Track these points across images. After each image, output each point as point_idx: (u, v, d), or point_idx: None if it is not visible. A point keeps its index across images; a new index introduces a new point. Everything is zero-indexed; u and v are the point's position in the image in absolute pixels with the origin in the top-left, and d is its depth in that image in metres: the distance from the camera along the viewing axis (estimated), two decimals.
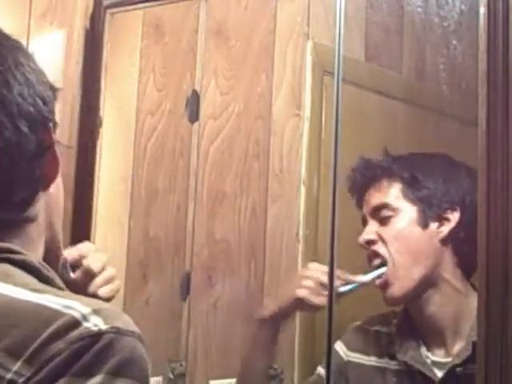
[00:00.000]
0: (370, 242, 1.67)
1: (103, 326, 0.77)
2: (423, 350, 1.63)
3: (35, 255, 0.91)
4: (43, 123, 0.92)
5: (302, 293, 1.65)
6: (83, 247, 1.37)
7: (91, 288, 1.32)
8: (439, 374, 1.60)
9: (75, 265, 1.33)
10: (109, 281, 1.34)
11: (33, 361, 0.75)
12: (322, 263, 1.66)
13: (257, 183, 2.01)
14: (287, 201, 1.99)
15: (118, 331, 0.78)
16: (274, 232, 2.00)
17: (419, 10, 1.91)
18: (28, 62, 0.93)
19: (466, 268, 1.63)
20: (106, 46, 1.89)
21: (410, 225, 1.65)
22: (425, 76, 2.12)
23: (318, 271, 1.65)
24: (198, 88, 2.05)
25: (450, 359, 1.60)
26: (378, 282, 1.65)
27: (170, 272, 2.03)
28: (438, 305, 1.62)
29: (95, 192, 1.85)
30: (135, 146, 2.07)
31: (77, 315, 0.78)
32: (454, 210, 1.62)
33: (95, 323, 0.77)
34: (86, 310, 0.78)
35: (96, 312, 0.79)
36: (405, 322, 1.67)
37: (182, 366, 1.98)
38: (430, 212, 1.64)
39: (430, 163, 1.69)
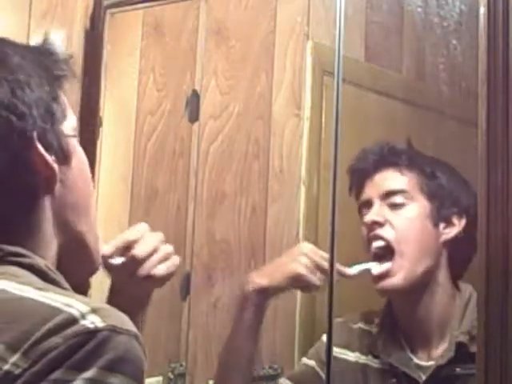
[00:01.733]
0: (376, 224, 1.64)
1: (100, 324, 0.79)
2: (407, 351, 1.62)
3: (43, 259, 0.92)
4: (20, 138, 0.89)
5: (301, 269, 1.60)
6: (131, 234, 1.31)
7: (142, 272, 1.26)
8: (423, 376, 1.59)
9: (122, 254, 1.27)
10: (163, 259, 1.29)
11: (30, 354, 0.77)
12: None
13: (257, 183, 2.01)
14: (287, 201, 1.99)
15: (113, 329, 0.79)
16: (274, 232, 2.00)
17: (419, 9, 1.91)
18: (21, 67, 0.92)
19: (455, 271, 1.63)
20: (106, 46, 1.89)
21: (422, 218, 1.63)
22: (425, 76, 2.12)
23: (314, 252, 1.62)
24: (198, 88, 2.05)
25: (432, 362, 1.59)
26: (376, 271, 1.62)
27: None
28: (427, 307, 1.61)
29: (95, 192, 1.85)
30: (135, 145, 2.07)
31: (75, 313, 0.79)
32: (461, 216, 1.62)
33: (92, 321, 0.79)
34: (85, 309, 0.80)
35: (94, 311, 0.80)
36: (388, 322, 1.66)
37: (182, 366, 1.98)
38: (440, 211, 1.63)
39: (445, 166, 1.68)
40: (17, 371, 0.76)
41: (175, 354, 1.99)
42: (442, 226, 1.63)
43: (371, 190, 1.68)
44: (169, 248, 1.31)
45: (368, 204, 1.67)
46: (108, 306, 0.83)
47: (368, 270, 1.63)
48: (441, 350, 1.59)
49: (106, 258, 1.25)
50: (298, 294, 1.92)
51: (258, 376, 1.90)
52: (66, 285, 0.91)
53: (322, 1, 2.02)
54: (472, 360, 1.42)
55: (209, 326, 2.00)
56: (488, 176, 1.33)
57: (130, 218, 2.05)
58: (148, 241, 1.30)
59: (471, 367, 1.45)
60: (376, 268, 1.63)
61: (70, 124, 0.97)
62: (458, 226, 1.63)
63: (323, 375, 1.63)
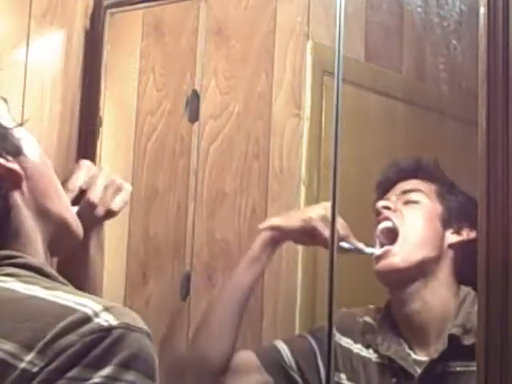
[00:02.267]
0: (387, 208, 1.68)
1: (114, 322, 0.80)
2: (405, 346, 1.64)
3: (34, 256, 0.93)
4: None
5: (316, 218, 1.64)
6: (79, 179, 1.33)
7: (99, 212, 1.31)
8: (419, 370, 1.60)
9: (77, 201, 1.30)
10: (116, 192, 1.34)
11: (46, 352, 0.78)
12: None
13: (257, 183, 2.01)
14: (287, 201, 1.99)
15: (127, 327, 0.81)
16: None
17: (419, 9, 1.91)
18: None
19: (459, 275, 1.65)
20: (106, 46, 1.90)
21: (432, 216, 1.67)
22: (425, 76, 2.12)
23: (327, 217, 1.63)
24: (198, 88, 2.05)
25: (428, 358, 1.61)
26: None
27: (169, 272, 2.03)
28: (423, 301, 1.63)
29: None
30: (135, 145, 2.07)
31: (89, 312, 0.81)
32: (471, 230, 1.64)
33: (106, 319, 0.81)
34: (98, 308, 0.82)
35: (107, 309, 0.82)
36: (388, 319, 1.68)
37: None
38: (452, 220, 1.67)
39: (469, 196, 1.69)
40: (34, 369, 0.77)
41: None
42: (450, 231, 1.67)
43: (390, 194, 1.73)
44: (117, 179, 1.35)
45: (384, 201, 1.72)
46: (119, 305, 0.85)
47: (360, 250, 1.65)
48: (437, 346, 1.60)
49: None
50: (298, 296, 1.92)
51: None
52: (63, 279, 0.92)
53: (322, 1, 2.02)
54: (464, 352, 1.49)
55: None
56: (488, 175, 1.33)
57: (130, 217, 2.05)
58: (98, 181, 1.32)
59: (466, 363, 1.50)
60: (376, 250, 1.67)
61: (4, 117, 0.97)
62: (465, 236, 1.66)
63: (316, 347, 1.68)
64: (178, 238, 2.03)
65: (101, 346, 0.78)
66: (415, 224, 1.67)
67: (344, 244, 1.65)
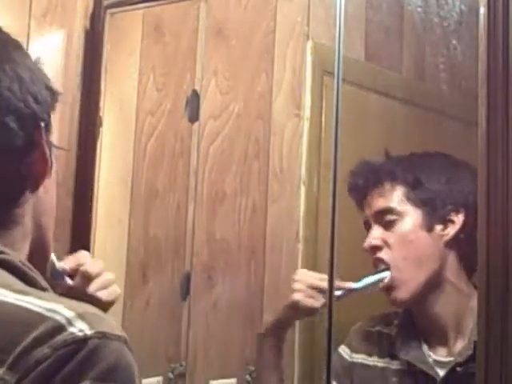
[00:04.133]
0: (375, 248, 1.66)
1: (88, 332, 0.76)
2: (425, 349, 1.64)
3: (18, 255, 0.90)
4: (33, 121, 0.90)
5: (296, 296, 1.65)
6: (80, 256, 1.39)
7: (90, 289, 1.33)
8: (441, 372, 1.60)
9: (73, 273, 1.34)
10: (107, 284, 1.36)
11: (17, 366, 0.74)
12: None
13: (257, 183, 2.01)
14: (287, 201, 1.99)
15: (103, 336, 0.76)
16: (274, 232, 2.00)
17: (419, 9, 1.91)
18: (23, 60, 0.92)
19: (469, 267, 1.63)
20: (106, 46, 1.89)
21: (415, 229, 1.64)
22: (425, 76, 2.12)
23: (307, 275, 1.66)
24: (198, 88, 2.05)
25: (452, 358, 1.60)
26: (381, 285, 1.65)
27: (170, 272, 2.03)
28: (441, 305, 1.62)
29: (95, 192, 1.85)
30: (135, 145, 2.07)
31: (61, 319, 0.76)
32: (458, 211, 1.61)
33: (80, 328, 0.76)
34: (70, 314, 0.77)
35: (80, 316, 0.77)
36: (406, 322, 1.68)
37: (181, 366, 1.98)
38: (434, 215, 1.63)
39: (431, 163, 1.68)
40: None
41: (175, 354, 1.99)
42: (438, 228, 1.63)
43: (367, 211, 1.70)
44: (111, 275, 1.38)
45: (367, 225, 1.69)
46: (92, 309, 0.81)
47: (374, 284, 1.65)
48: (459, 347, 1.60)
49: (62, 275, 1.33)
50: None
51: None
52: (43, 282, 0.89)
53: (322, 1, 2.02)
54: None
55: (209, 326, 2.00)
56: (488, 175, 1.33)
57: (130, 217, 2.05)
58: (94, 264, 1.37)
59: None
60: (381, 283, 1.65)
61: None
62: (457, 222, 1.62)
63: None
64: (178, 238, 2.03)
65: (75, 359, 0.74)
66: (406, 251, 1.64)
67: (337, 292, 1.64)
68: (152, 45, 2.08)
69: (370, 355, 1.69)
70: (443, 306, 1.62)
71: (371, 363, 1.69)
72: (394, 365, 1.66)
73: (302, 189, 1.97)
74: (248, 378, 1.93)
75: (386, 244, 1.65)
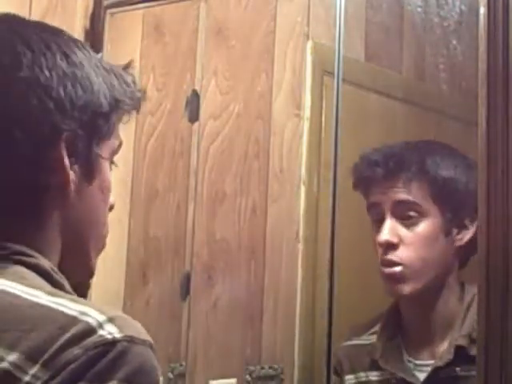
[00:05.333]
0: (390, 246, 1.59)
1: (117, 335, 0.80)
2: (404, 354, 1.62)
3: (47, 261, 0.92)
4: (48, 130, 0.89)
5: None
6: None
7: None
8: (421, 376, 1.58)
9: None
10: None
11: (49, 365, 0.78)
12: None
13: (257, 183, 2.01)
14: (287, 201, 1.99)
15: (131, 340, 0.80)
16: (274, 232, 2.00)
17: (419, 9, 1.91)
18: (66, 67, 0.92)
19: (462, 267, 1.63)
20: (106, 46, 1.90)
21: (435, 231, 1.60)
22: (425, 76, 2.12)
23: None
24: (198, 88, 2.05)
25: (432, 361, 1.58)
26: (387, 270, 1.60)
27: (170, 272, 2.03)
28: (436, 308, 1.61)
29: None
30: (135, 146, 2.07)
31: (92, 322, 0.80)
32: (473, 218, 1.54)
33: (110, 331, 0.80)
34: (102, 318, 0.81)
35: (111, 320, 0.81)
36: (390, 323, 1.65)
37: (181, 366, 1.98)
38: (453, 219, 1.60)
39: (457, 164, 1.61)
40: (38, 383, 0.77)
41: (175, 353, 1.99)
42: (454, 231, 1.60)
43: (380, 197, 1.63)
44: None
45: (376, 206, 1.63)
46: (122, 314, 0.84)
47: None
48: (441, 351, 1.59)
49: None
50: (298, 296, 1.92)
51: (257, 376, 1.90)
52: (68, 286, 0.91)
53: (322, 1, 2.02)
54: (471, 363, 1.41)
55: (209, 326, 2.00)
56: (488, 175, 1.33)
57: (130, 217, 2.05)
58: None
59: (470, 369, 1.45)
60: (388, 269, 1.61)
61: (109, 146, 0.96)
62: (470, 229, 1.58)
63: None
64: (178, 238, 2.03)
65: (104, 360, 0.78)
66: (423, 253, 1.59)
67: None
68: (152, 45, 2.09)
69: (354, 372, 1.67)
70: (438, 309, 1.61)
71: (363, 379, 1.65)
72: (377, 376, 1.64)
73: (302, 189, 1.97)
74: (248, 378, 1.92)
75: (402, 242, 1.59)
